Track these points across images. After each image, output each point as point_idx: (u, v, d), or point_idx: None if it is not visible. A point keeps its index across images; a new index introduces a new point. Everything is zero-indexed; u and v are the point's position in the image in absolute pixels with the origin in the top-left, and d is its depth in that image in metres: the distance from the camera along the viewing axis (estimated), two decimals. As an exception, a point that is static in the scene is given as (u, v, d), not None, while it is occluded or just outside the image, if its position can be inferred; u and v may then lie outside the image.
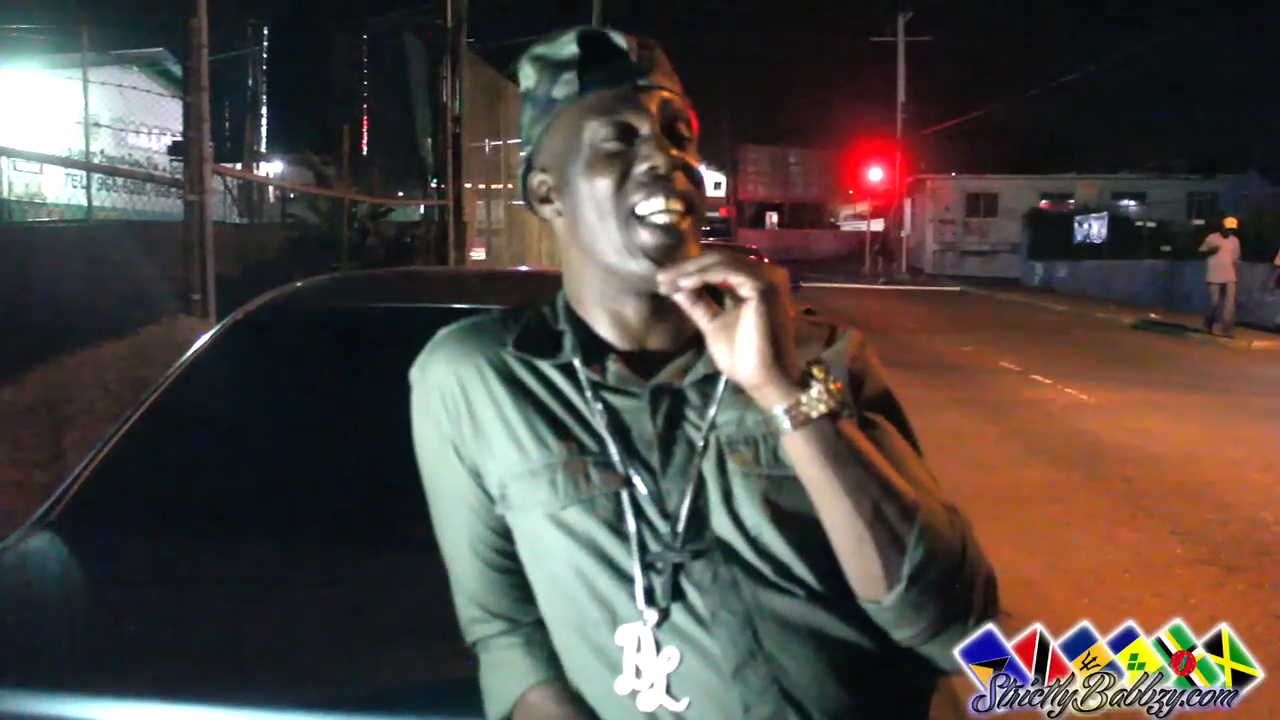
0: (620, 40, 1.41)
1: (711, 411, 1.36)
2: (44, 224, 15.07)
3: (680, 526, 1.32)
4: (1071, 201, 42.04)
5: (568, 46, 1.41)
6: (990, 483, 8.13)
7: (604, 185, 1.35)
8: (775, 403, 1.25)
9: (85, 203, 14.40)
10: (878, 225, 51.74)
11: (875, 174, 50.98)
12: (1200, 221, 33.42)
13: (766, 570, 1.30)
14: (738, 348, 1.25)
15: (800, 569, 1.30)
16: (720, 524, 1.32)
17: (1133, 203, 42.60)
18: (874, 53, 50.83)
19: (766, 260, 1.38)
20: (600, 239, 1.37)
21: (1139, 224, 34.40)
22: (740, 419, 1.34)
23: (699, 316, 1.27)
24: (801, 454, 1.26)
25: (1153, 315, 23.81)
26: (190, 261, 6.81)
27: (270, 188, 20.70)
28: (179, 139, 9.73)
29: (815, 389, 1.25)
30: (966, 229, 47.86)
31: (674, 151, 1.36)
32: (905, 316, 24.95)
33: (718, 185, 59.43)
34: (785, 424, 1.25)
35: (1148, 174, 46.86)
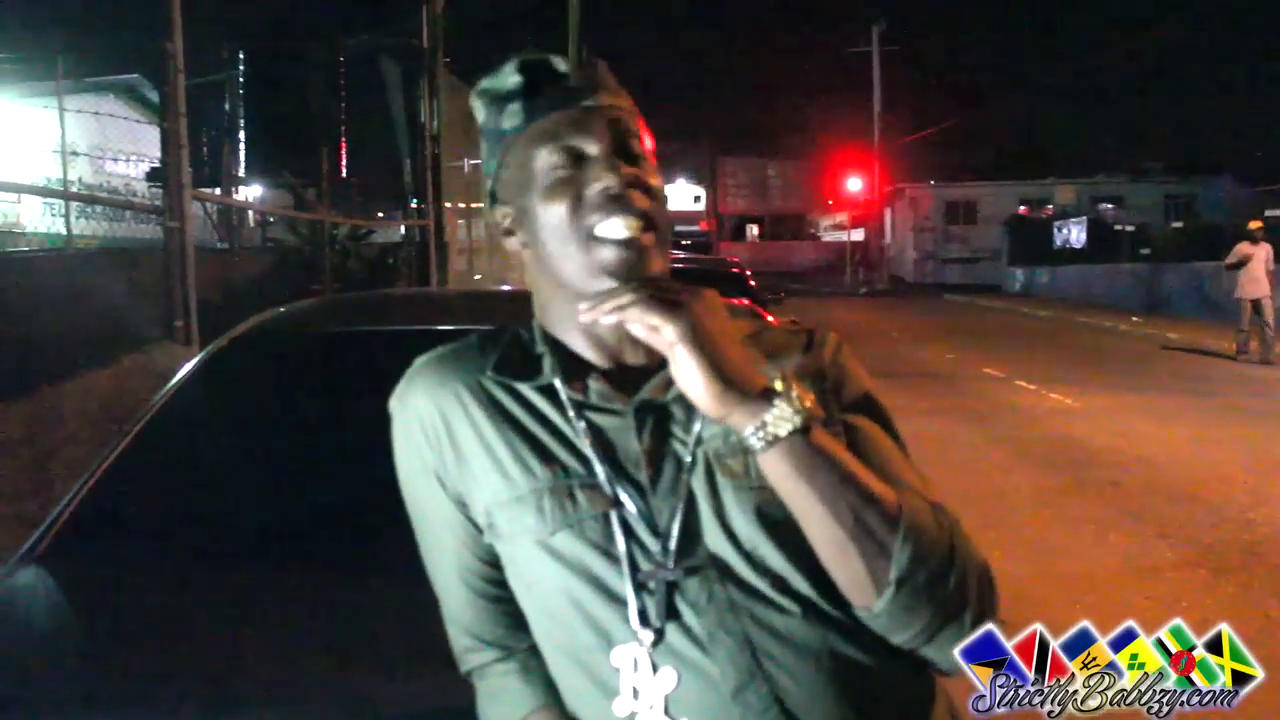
0: (560, 64, 1.40)
1: (697, 426, 1.35)
2: (22, 253, 14.99)
3: (672, 544, 1.31)
4: (1050, 207, 42.23)
5: (510, 77, 1.41)
6: (977, 489, 8.13)
7: (560, 211, 1.35)
8: (741, 426, 1.25)
9: (64, 231, 14.34)
10: (858, 235, 51.87)
11: (854, 184, 51.18)
12: (1179, 224, 33.68)
13: (763, 586, 1.29)
14: (686, 389, 1.26)
15: (798, 581, 1.29)
16: (714, 540, 1.31)
17: (1111, 206, 42.81)
18: (850, 63, 51.16)
19: (694, 289, 1.34)
20: (564, 264, 1.36)
21: (1118, 228, 34.58)
22: (726, 432, 1.32)
23: (657, 345, 1.27)
24: (775, 471, 1.25)
25: (1135, 318, 23.91)
26: (171, 287, 6.78)
27: (250, 212, 20.65)
28: (157, 165, 9.70)
29: (779, 407, 1.25)
30: (947, 237, 48.06)
31: (626, 169, 1.35)
32: (888, 325, 25.01)
33: (697, 199, 59.48)
34: (753, 445, 1.25)
35: (1124, 177, 47.13)
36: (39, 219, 17.35)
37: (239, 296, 10.30)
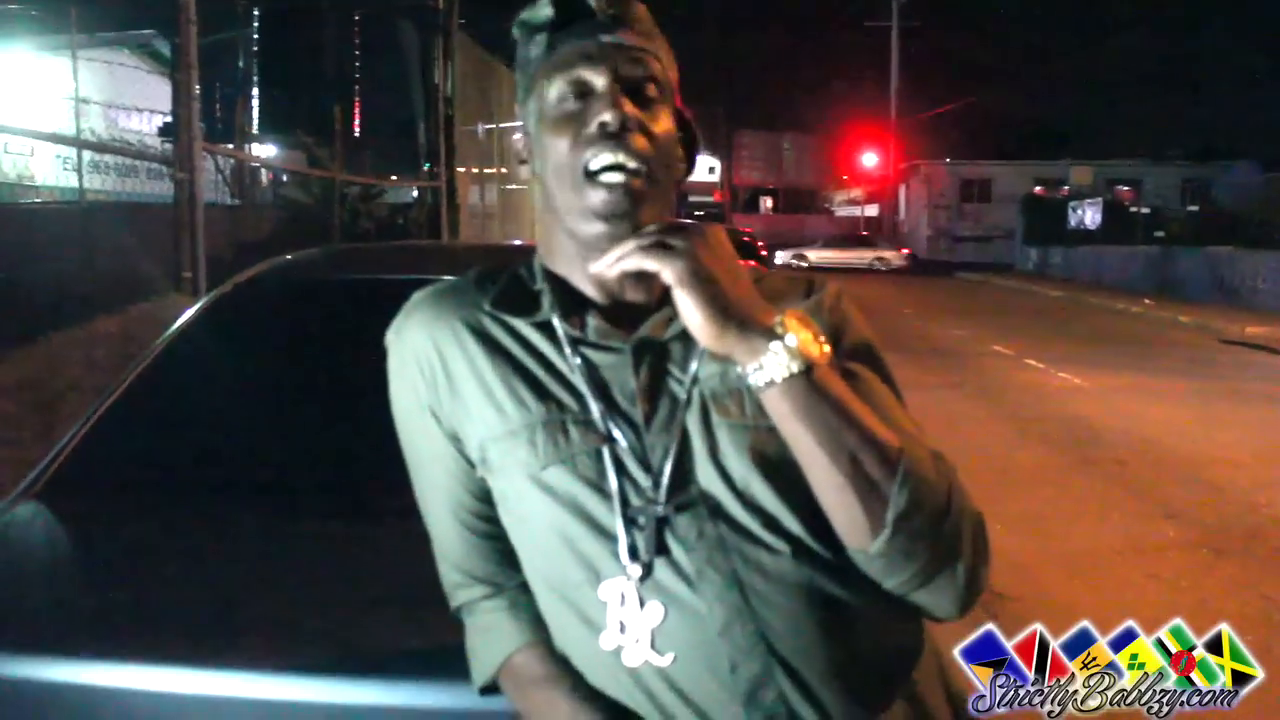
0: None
1: (694, 365, 1.34)
2: (34, 205, 15.01)
3: (664, 481, 1.30)
4: (1066, 188, 42.03)
5: (543, 8, 1.40)
6: (983, 465, 8.12)
7: (560, 144, 1.34)
8: (742, 364, 1.26)
9: (76, 184, 14.34)
10: (872, 211, 51.73)
11: (869, 159, 51.02)
12: (1194, 207, 33.50)
13: (754, 525, 1.29)
14: (688, 326, 1.26)
15: (789, 521, 1.29)
16: (706, 478, 1.30)
17: (1127, 188, 42.61)
18: (868, 38, 50.84)
19: (704, 224, 1.35)
20: (559, 199, 1.36)
21: (1133, 210, 34.42)
22: (724, 371, 1.32)
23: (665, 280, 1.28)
24: (775, 410, 1.26)
25: (1147, 301, 23.84)
26: (180, 239, 6.79)
27: (262, 169, 20.63)
28: (170, 120, 9.68)
29: (779, 347, 1.24)
30: (961, 214, 47.89)
31: (630, 108, 1.33)
32: (899, 301, 24.97)
33: (711, 170, 59.19)
34: (754, 383, 1.25)
35: (1142, 160, 46.88)
36: (51, 173, 17.39)
37: (249, 252, 10.30)
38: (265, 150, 22.29)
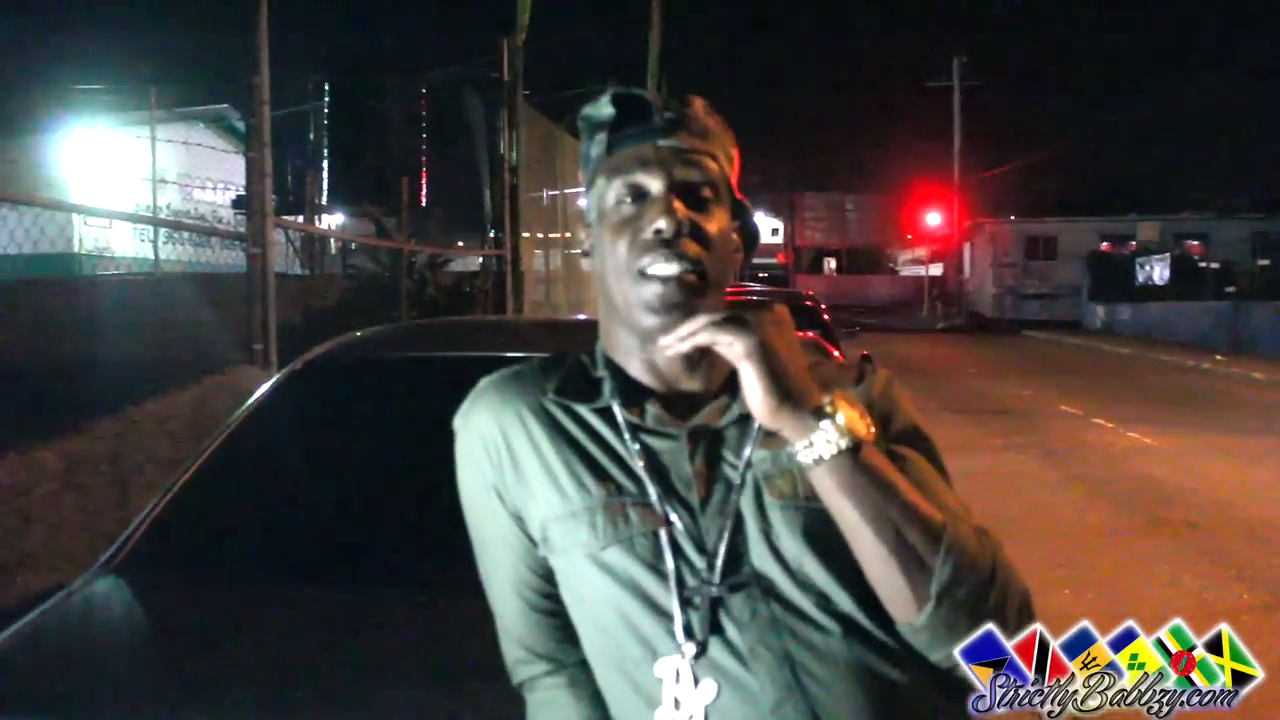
0: (649, 98, 1.45)
1: (747, 450, 1.39)
2: (112, 276, 15.38)
3: (719, 562, 1.35)
4: (1133, 243, 41.55)
5: (605, 107, 1.46)
6: (1050, 527, 8.03)
7: (616, 246, 1.41)
8: (792, 442, 1.30)
9: (152, 256, 14.70)
10: (936, 270, 51.44)
11: (933, 218, 50.78)
12: (1265, 261, 32.92)
13: (806, 604, 1.33)
14: (748, 400, 1.32)
15: (841, 599, 1.33)
16: (759, 558, 1.35)
17: (1195, 243, 42.00)
18: (929, 98, 50.78)
19: (768, 306, 1.41)
20: (616, 294, 1.42)
21: (1202, 265, 33.93)
22: (775, 455, 1.38)
23: (729, 358, 1.33)
24: (822, 486, 1.30)
25: (1219, 357, 23.45)
26: (252, 312, 6.93)
27: (331, 239, 20.98)
28: (243, 193, 9.94)
29: (828, 425, 1.29)
30: (1026, 272, 47.40)
31: (683, 213, 1.39)
32: (964, 361, 24.75)
33: (775, 231, 59.30)
34: (803, 460, 1.30)
35: (1209, 214, 46.24)
36: (129, 244, 17.84)
37: (319, 322, 10.48)
38: (334, 219, 22.69)
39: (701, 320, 1.33)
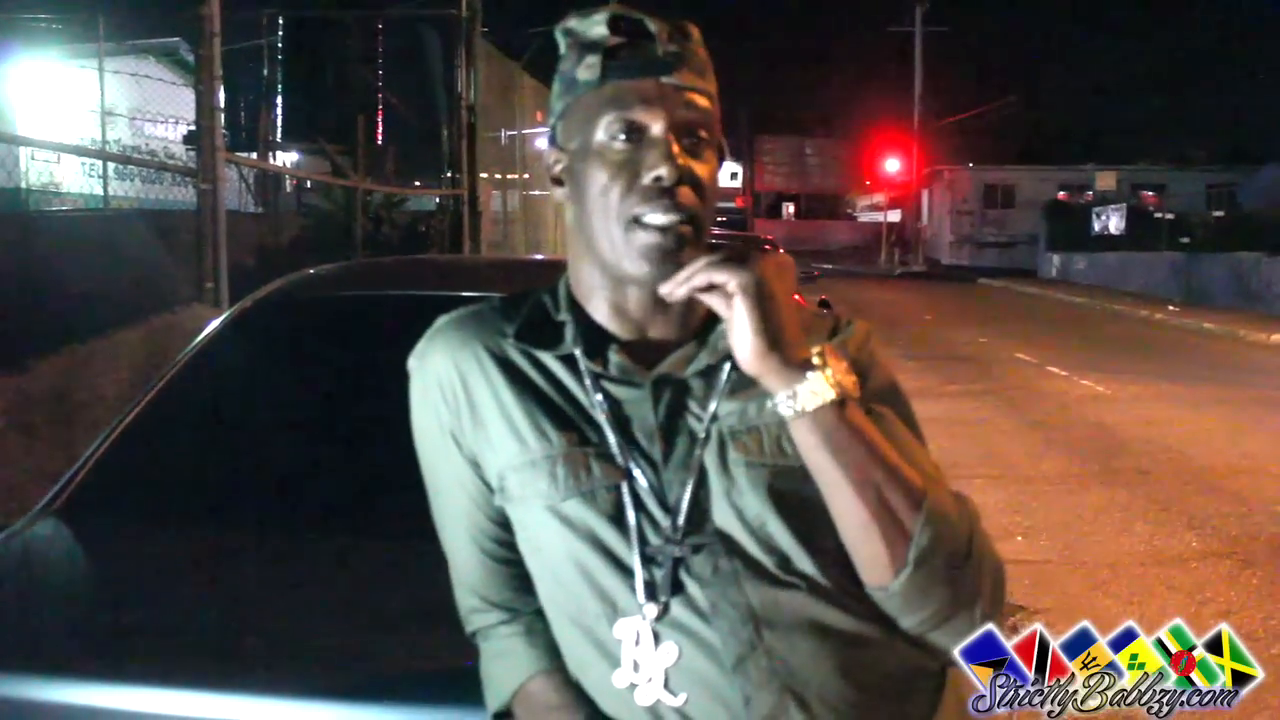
0: (652, 26, 1.35)
1: (714, 403, 1.34)
2: (60, 213, 15.11)
3: (681, 519, 1.31)
4: (1090, 193, 41.83)
5: (597, 27, 1.36)
6: (1005, 473, 8.12)
7: (609, 186, 1.32)
8: (775, 391, 1.26)
9: (101, 192, 14.44)
10: (895, 216, 51.60)
11: (892, 165, 50.86)
12: (1219, 213, 33.28)
13: (768, 563, 1.29)
14: (734, 340, 1.26)
15: (803, 560, 1.29)
16: (722, 516, 1.31)
17: (1151, 193, 42.36)
18: (891, 44, 50.76)
19: (774, 250, 1.35)
20: (601, 236, 1.34)
21: (1157, 216, 34.22)
22: (743, 410, 1.33)
23: (716, 307, 1.28)
24: (804, 441, 1.26)
25: (1172, 307, 23.70)
26: (203, 249, 6.82)
27: (286, 177, 20.75)
28: (194, 128, 9.74)
29: (815, 377, 1.25)
30: (984, 220, 47.71)
31: (683, 160, 1.32)
32: (921, 307, 24.91)
33: (734, 175, 59.16)
34: (785, 411, 1.25)
35: (1166, 165, 46.61)
36: (77, 180, 17.52)
37: (272, 261, 10.35)
38: (288, 158, 22.42)
39: (701, 261, 1.27)
